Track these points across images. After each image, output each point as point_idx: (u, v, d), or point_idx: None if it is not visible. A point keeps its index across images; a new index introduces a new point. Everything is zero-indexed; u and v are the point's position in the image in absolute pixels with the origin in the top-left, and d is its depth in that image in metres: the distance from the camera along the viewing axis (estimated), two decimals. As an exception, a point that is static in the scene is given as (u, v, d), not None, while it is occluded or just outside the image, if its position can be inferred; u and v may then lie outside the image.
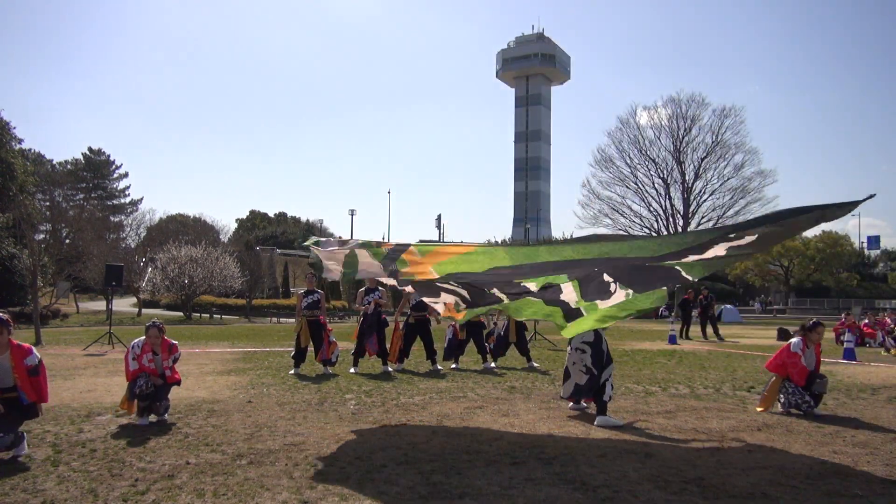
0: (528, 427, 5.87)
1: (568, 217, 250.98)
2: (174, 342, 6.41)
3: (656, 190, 44.00)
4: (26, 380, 4.90)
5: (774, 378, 6.98)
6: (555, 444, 5.21)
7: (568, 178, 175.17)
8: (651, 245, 6.11)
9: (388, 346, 10.40)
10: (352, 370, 10.03)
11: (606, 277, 6.34)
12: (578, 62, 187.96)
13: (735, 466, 4.57)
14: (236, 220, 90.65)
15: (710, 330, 20.22)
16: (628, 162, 44.42)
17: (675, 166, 43.52)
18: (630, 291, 6.27)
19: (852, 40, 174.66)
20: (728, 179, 43.02)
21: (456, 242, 7.64)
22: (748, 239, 5.65)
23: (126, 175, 70.77)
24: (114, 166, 70.25)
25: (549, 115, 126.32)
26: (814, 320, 7.24)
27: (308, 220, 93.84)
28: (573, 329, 6.54)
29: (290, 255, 69.33)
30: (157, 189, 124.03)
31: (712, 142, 42.80)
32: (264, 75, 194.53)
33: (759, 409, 6.86)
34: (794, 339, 7.05)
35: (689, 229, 43.07)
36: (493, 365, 10.76)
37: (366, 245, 6.51)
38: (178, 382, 6.45)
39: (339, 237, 7.23)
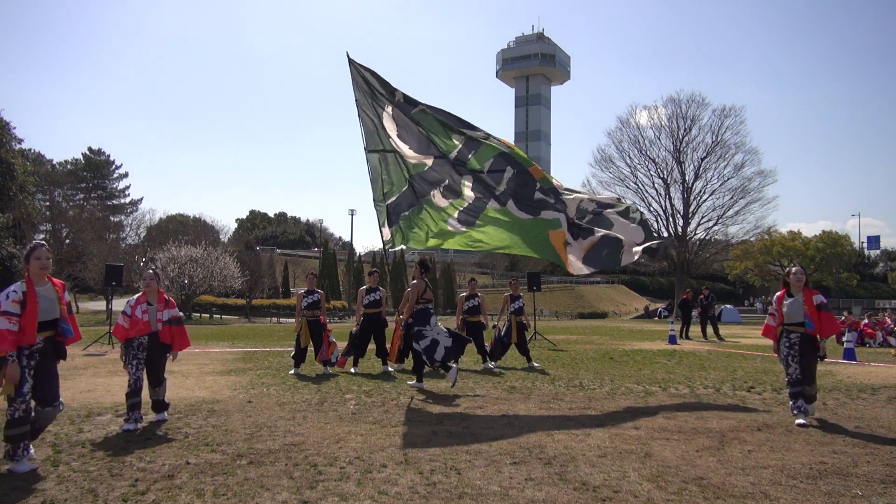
0: (528, 427, 5.87)
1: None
2: (171, 300, 6.18)
3: (656, 190, 43.90)
4: (66, 314, 4.80)
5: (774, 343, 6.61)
6: (555, 444, 5.21)
7: (568, 178, 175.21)
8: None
9: (388, 346, 10.40)
10: (352, 370, 10.03)
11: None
12: (578, 62, 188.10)
13: (735, 466, 4.57)
14: (236, 220, 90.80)
15: (710, 330, 20.22)
16: (628, 162, 44.38)
17: (675, 166, 43.45)
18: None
19: (851, 41, 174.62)
20: (728, 179, 42.96)
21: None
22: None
23: (126, 175, 70.76)
24: (114, 166, 70.20)
25: (549, 114, 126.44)
26: (790, 265, 6.84)
27: (308, 220, 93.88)
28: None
29: (290, 255, 69.33)
30: (157, 189, 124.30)
31: (712, 142, 42.75)
32: (264, 75, 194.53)
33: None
34: (777, 294, 6.64)
35: (688, 229, 43.13)
36: (491, 365, 10.76)
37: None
38: (169, 347, 6.02)
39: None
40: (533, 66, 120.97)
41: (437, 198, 8.28)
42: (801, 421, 6.02)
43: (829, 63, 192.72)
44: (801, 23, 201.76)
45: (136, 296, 6.06)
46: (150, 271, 6.14)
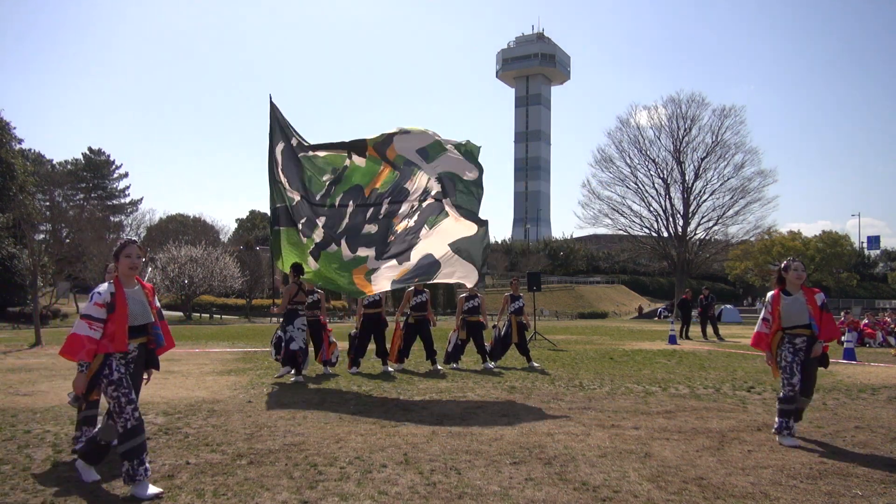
0: (528, 427, 5.87)
1: (568, 217, 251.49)
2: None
3: (656, 190, 43.87)
4: (158, 320, 4.28)
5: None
6: (555, 444, 5.21)
7: (568, 178, 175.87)
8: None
9: (388, 346, 10.40)
10: (352, 370, 10.03)
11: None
12: (578, 62, 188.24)
13: (735, 466, 4.57)
14: (236, 220, 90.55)
15: (710, 330, 20.22)
16: (628, 162, 44.31)
17: (675, 166, 43.39)
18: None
19: (850, 41, 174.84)
20: (728, 179, 42.91)
21: None
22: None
23: (126, 175, 70.58)
24: (114, 166, 70.09)
25: (549, 115, 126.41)
26: (788, 258, 5.76)
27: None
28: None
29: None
30: (157, 189, 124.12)
31: (712, 142, 42.68)
32: (264, 75, 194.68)
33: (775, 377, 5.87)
34: (769, 293, 5.69)
35: (688, 229, 43.14)
36: (491, 365, 10.76)
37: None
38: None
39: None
40: (533, 66, 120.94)
41: (301, 233, 9.12)
42: (789, 442, 5.28)
43: (829, 63, 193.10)
44: (800, 23, 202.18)
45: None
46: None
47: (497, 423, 6.08)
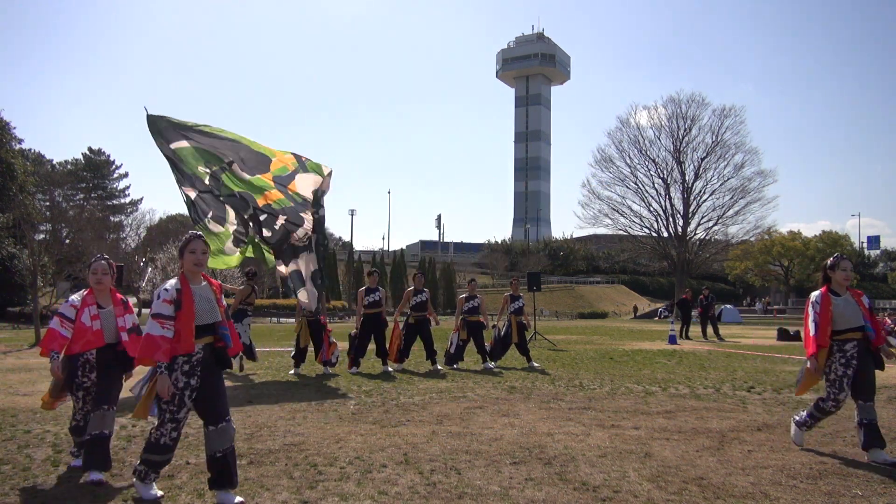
0: (528, 427, 5.87)
1: (568, 217, 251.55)
2: (129, 302, 4.74)
3: (656, 190, 43.99)
4: (225, 318, 3.93)
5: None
6: (555, 444, 5.21)
7: (568, 178, 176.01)
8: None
9: (387, 345, 10.41)
10: (352, 370, 10.03)
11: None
12: (578, 62, 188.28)
13: (735, 466, 4.57)
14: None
15: (710, 330, 20.22)
16: (628, 162, 44.44)
17: (675, 166, 43.52)
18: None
19: (850, 41, 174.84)
20: (728, 179, 43.05)
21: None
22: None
23: (126, 175, 70.63)
24: (114, 166, 70.12)
25: (549, 115, 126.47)
26: (834, 255, 5.19)
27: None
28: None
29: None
30: (157, 189, 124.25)
31: (712, 142, 42.83)
32: (264, 75, 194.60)
33: (797, 395, 5.84)
34: (814, 293, 5.08)
35: (688, 229, 43.14)
36: (491, 365, 10.76)
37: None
38: (129, 363, 4.42)
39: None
40: (533, 66, 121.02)
41: (212, 224, 9.20)
42: (799, 438, 5.20)
43: (829, 63, 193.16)
44: (800, 23, 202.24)
45: (81, 294, 4.50)
46: (104, 262, 4.57)
47: (497, 423, 6.08)
